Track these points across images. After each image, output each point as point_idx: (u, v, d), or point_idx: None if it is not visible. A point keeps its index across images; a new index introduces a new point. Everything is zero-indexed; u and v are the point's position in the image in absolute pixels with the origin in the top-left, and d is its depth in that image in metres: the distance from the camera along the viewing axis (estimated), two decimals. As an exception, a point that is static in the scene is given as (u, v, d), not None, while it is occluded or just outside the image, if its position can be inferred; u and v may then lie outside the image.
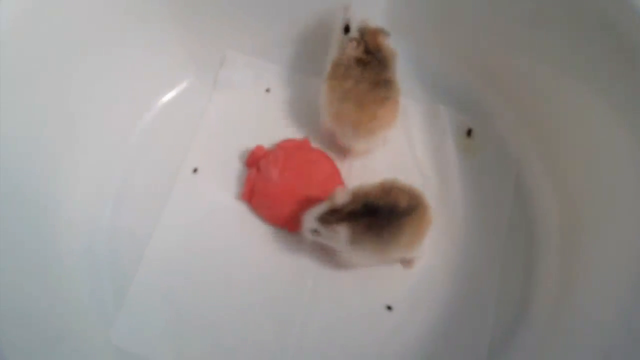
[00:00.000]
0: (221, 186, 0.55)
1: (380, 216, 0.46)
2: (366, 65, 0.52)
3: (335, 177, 0.54)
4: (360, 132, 0.53)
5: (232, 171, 0.56)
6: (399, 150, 0.57)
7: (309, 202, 0.52)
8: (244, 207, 0.55)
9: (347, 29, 0.53)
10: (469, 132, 0.58)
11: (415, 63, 0.60)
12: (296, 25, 0.58)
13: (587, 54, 0.50)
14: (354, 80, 0.52)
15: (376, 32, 0.52)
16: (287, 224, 0.53)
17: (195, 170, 0.56)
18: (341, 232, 0.46)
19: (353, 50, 0.52)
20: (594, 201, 0.50)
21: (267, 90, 0.59)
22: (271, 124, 0.57)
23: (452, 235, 0.53)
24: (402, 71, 0.58)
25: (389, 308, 0.51)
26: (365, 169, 0.56)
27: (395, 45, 0.57)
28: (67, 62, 0.51)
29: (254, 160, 0.55)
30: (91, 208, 0.53)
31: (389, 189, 0.47)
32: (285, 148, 0.55)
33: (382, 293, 0.51)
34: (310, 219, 0.48)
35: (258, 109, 0.59)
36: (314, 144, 0.56)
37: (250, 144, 0.56)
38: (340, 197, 0.47)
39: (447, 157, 0.56)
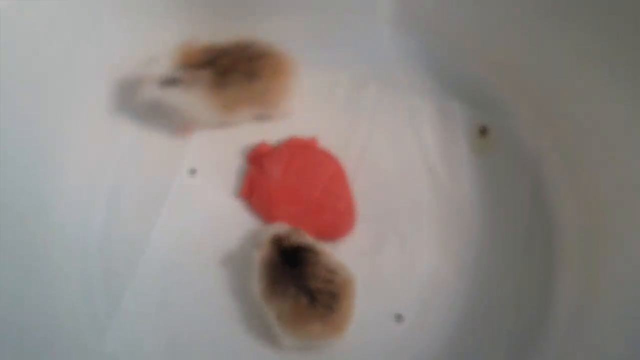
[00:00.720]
0: (220, 187, 0.53)
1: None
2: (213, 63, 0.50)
3: (340, 180, 0.53)
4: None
5: (232, 172, 0.54)
6: (408, 149, 0.55)
7: (310, 204, 0.51)
8: (244, 210, 0.53)
9: (170, 81, 0.50)
10: (484, 131, 0.56)
11: (425, 58, 0.58)
12: (300, 15, 0.56)
13: (610, 48, 0.48)
14: (228, 80, 0.50)
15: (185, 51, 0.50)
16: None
17: (193, 171, 0.54)
18: None
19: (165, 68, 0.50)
20: (619, 205, 0.48)
21: None
22: (275, 120, 0.55)
23: (466, 240, 0.51)
24: (412, 67, 0.58)
25: (399, 318, 0.49)
26: (373, 170, 0.54)
27: (406, 38, 0.57)
28: (55, 56, 0.49)
29: (257, 157, 0.53)
30: (83, 211, 0.52)
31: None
32: (291, 147, 0.53)
33: (391, 302, 0.49)
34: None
35: None
36: (319, 141, 0.54)
37: (252, 142, 0.54)
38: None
39: (460, 157, 0.54)
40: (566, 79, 0.52)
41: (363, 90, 0.57)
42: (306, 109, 0.56)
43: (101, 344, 0.48)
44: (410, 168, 0.54)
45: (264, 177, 0.52)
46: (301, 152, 0.53)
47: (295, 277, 0.45)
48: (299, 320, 0.45)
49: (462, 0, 0.55)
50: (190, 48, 0.50)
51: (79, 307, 0.48)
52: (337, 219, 0.51)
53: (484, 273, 0.50)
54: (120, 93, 0.55)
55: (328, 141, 0.54)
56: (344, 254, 0.50)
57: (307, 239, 0.47)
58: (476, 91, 0.57)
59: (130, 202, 0.53)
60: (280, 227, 0.48)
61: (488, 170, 0.54)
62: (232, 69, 0.50)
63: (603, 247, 0.48)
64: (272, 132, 0.55)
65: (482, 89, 0.57)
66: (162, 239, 0.51)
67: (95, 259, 0.51)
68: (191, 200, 0.53)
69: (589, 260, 0.49)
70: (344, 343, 0.47)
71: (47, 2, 0.47)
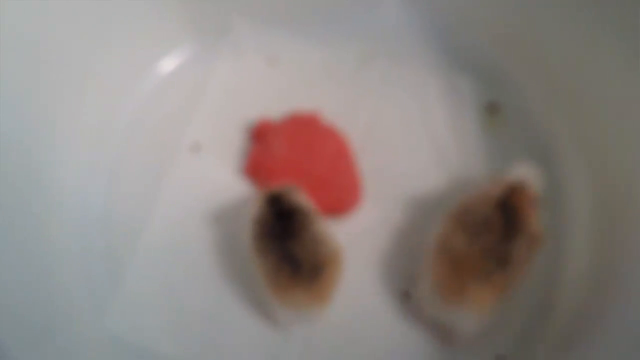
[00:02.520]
0: (224, 165, 0.53)
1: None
2: None
3: (345, 156, 0.52)
4: None
5: (235, 148, 0.54)
6: (415, 125, 0.54)
7: (313, 179, 0.51)
8: (248, 188, 0.52)
9: None
10: (493, 107, 0.55)
11: (435, 32, 0.57)
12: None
13: (626, 19, 0.47)
14: None
15: None
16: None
17: (196, 148, 0.54)
18: None
19: None
20: (630, 185, 0.47)
21: (275, 59, 0.57)
22: (278, 95, 0.55)
23: None
24: (420, 42, 0.57)
25: (406, 295, 0.48)
26: (380, 146, 0.54)
27: (414, 12, 0.57)
28: (55, 33, 0.49)
29: (260, 134, 0.53)
30: (84, 186, 0.52)
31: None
32: (294, 122, 0.53)
33: (398, 279, 0.49)
34: None
35: (264, 79, 0.56)
36: (325, 117, 0.54)
37: (256, 117, 0.54)
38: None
39: (469, 134, 0.54)
40: (578, 56, 0.51)
41: (369, 65, 0.57)
42: (312, 84, 0.56)
43: (102, 323, 0.47)
44: (417, 144, 0.54)
45: (268, 154, 0.52)
46: (304, 127, 0.53)
47: (281, 243, 0.44)
48: (281, 287, 0.44)
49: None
50: None
51: (81, 287, 0.48)
52: (341, 195, 0.51)
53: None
54: (121, 70, 0.55)
55: (334, 117, 0.54)
56: (350, 230, 0.50)
57: (302, 199, 0.46)
58: (486, 67, 0.56)
59: (130, 180, 0.53)
60: (278, 187, 0.47)
61: (497, 147, 0.53)
62: None
63: (613, 226, 0.47)
64: (275, 108, 0.54)
65: (492, 65, 0.56)
66: (163, 216, 0.51)
67: (95, 238, 0.51)
68: (193, 177, 0.53)
69: (599, 242, 0.48)
70: (351, 319, 0.47)
71: None
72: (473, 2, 0.56)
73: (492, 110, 0.55)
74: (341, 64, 0.57)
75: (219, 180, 0.52)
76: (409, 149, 0.53)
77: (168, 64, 0.57)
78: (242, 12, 0.57)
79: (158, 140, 0.54)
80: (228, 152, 0.54)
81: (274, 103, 0.54)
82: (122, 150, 0.54)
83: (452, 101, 0.55)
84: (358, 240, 0.50)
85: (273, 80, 0.56)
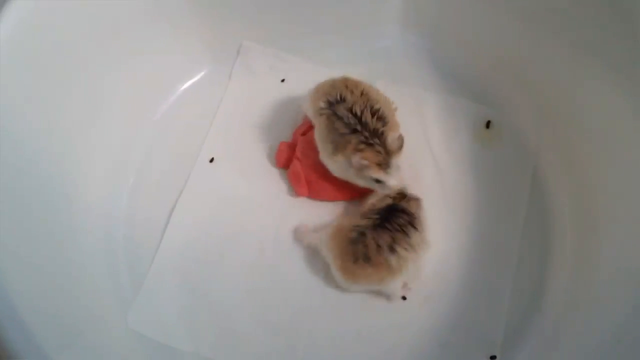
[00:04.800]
0: (237, 175, 0.56)
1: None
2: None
3: None
4: None
5: (247, 161, 0.56)
6: (414, 139, 0.56)
7: None
8: (258, 195, 0.55)
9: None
10: (488, 124, 0.57)
11: (433, 55, 0.60)
12: (311, 16, 0.59)
13: (607, 47, 0.50)
14: None
15: None
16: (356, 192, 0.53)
17: (211, 160, 0.56)
18: None
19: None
20: (610, 193, 0.50)
21: (282, 81, 0.60)
22: (286, 114, 0.58)
23: (468, 225, 0.53)
24: (419, 63, 0.60)
25: (404, 297, 0.51)
26: None
27: (414, 37, 0.60)
28: (88, 51, 0.52)
29: (284, 156, 0.55)
30: (108, 194, 0.54)
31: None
32: (304, 131, 0.55)
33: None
34: None
35: (273, 99, 0.59)
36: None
37: (265, 134, 0.57)
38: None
39: (465, 149, 0.56)
40: (566, 78, 0.54)
41: (372, 84, 0.57)
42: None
43: (125, 321, 0.50)
44: (416, 157, 0.56)
45: (312, 167, 0.53)
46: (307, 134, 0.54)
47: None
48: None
49: (467, 3, 0.57)
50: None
51: (105, 286, 0.51)
52: None
53: (484, 255, 0.52)
54: (146, 83, 0.57)
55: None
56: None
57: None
58: (482, 88, 0.59)
59: (151, 189, 0.55)
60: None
61: (491, 162, 0.56)
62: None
63: (594, 231, 0.50)
64: (284, 122, 0.56)
65: (488, 86, 0.59)
66: (181, 222, 0.53)
67: (119, 240, 0.53)
68: (209, 185, 0.55)
69: (581, 244, 0.51)
70: (352, 319, 0.50)
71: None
72: (469, 29, 0.58)
73: (484, 128, 0.57)
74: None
75: (232, 191, 0.55)
76: (409, 161, 0.54)
77: (187, 86, 0.60)
78: (254, 37, 0.60)
79: (177, 152, 0.56)
80: (241, 166, 0.56)
81: (281, 121, 0.57)
82: (143, 163, 0.56)
83: (448, 118, 0.58)
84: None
85: (281, 99, 0.59)
